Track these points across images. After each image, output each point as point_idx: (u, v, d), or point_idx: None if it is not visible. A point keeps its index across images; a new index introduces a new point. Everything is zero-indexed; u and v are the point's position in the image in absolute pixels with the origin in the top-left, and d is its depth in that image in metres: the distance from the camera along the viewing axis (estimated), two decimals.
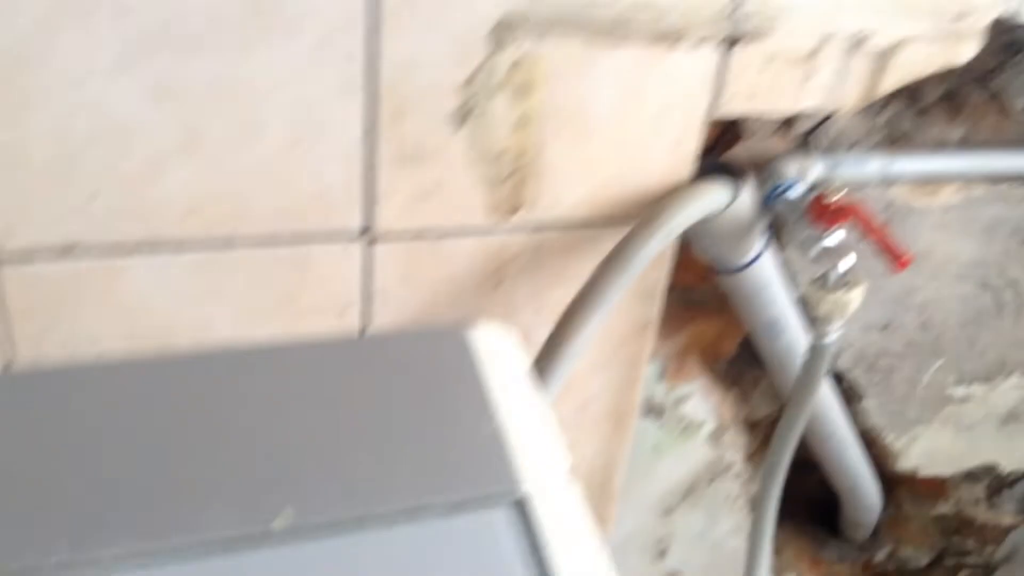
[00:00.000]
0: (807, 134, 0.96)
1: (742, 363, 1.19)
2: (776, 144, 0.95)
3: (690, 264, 1.04)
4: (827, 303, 0.87)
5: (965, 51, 0.87)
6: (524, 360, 0.57)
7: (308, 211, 0.77)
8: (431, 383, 0.53)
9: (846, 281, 0.86)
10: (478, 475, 0.48)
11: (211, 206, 0.74)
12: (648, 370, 1.10)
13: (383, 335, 0.57)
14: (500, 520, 0.47)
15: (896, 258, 0.80)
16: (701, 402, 1.15)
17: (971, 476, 1.43)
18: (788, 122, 0.94)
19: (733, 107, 0.84)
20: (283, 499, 0.45)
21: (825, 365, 0.93)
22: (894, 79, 0.87)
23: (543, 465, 0.49)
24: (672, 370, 1.12)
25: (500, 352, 0.57)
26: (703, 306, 1.11)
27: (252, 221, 0.76)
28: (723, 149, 0.94)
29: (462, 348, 0.56)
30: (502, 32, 0.73)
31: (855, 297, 0.87)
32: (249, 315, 0.82)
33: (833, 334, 0.90)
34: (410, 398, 0.52)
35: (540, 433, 0.51)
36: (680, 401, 1.14)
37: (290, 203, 0.76)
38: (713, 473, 1.23)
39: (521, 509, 0.47)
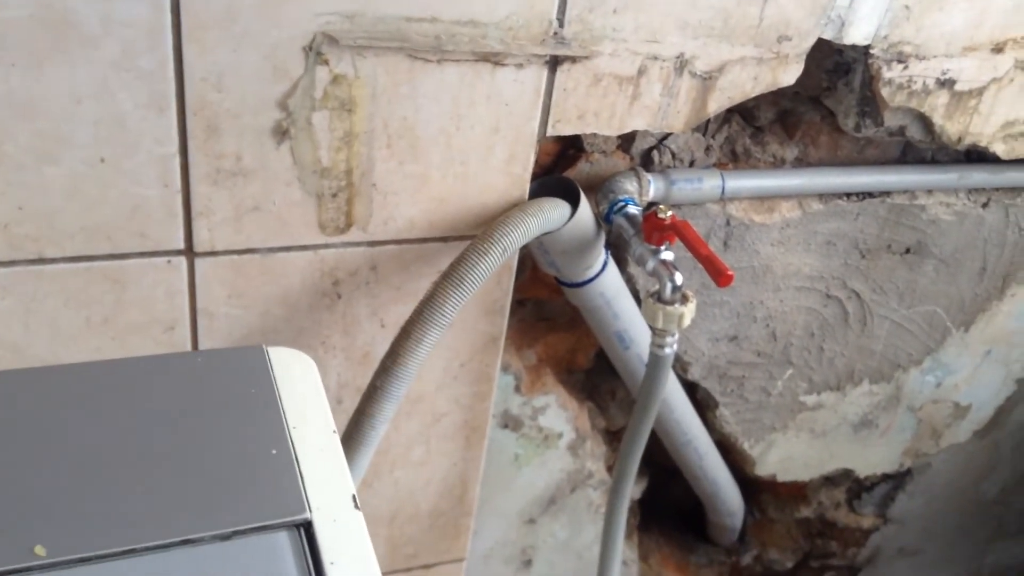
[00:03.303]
0: (647, 152, 0.98)
1: (599, 374, 1.21)
2: (617, 161, 0.96)
3: (543, 278, 1.05)
4: (663, 316, 0.89)
5: (789, 73, 0.89)
6: (319, 385, 0.57)
7: (122, 228, 0.75)
8: (223, 407, 0.52)
9: (680, 295, 0.88)
10: (262, 500, 0.47)
11: (16, 224, 0.72)
12: (503, 382, 1.10)
13: (179, 356, 0.55)
14: (280, 545, 0.46)
15: (719, 274, 0.82)
16: (558, 413, 1.16)
17: (830, 480, 1.48)
18: (628, 139, 0.96)
19: (563, 127, 0.85)
20: (40, 532, 0.43)
21: (666, 375, 0.95)
22: (721, 100, 0.89)
23: (328, 491, 0.49)
24: (528, 382, 1.13)
25: (296, 377, 0.56)
26: (557, 319, 1.12)
27: (63, 239, 0.74)
28: (565, 166, 0.95)
29: (258, 371, 0.55)
30: (319, 48, 0.72)
31: (689, 310, 0.88)
32: (66, 336, 0.79)
33: (670, 345, 0.92)
34: (200, 421, 0.51)
35: (327, 459, 0.51)
36: (538, 413, 1.15)
37: (103, 220, 0.74)
38: (575, 483, 1.24)
39: (302, 534, 0.47)
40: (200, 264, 0.80)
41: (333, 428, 0.50)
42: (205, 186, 0.76)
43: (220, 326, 0.84)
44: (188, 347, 0.85)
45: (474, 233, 0.87)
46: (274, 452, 0.46)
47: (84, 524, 0.42)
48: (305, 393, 0.53)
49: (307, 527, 0.45)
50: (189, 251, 0.79)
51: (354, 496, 0.47)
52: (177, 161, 0.74)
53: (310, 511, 0.45)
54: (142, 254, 0.78)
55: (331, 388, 0.93)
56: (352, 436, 0.83)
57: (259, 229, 0.80)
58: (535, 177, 0.92)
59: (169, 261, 0.79)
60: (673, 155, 0.99)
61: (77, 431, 0.47)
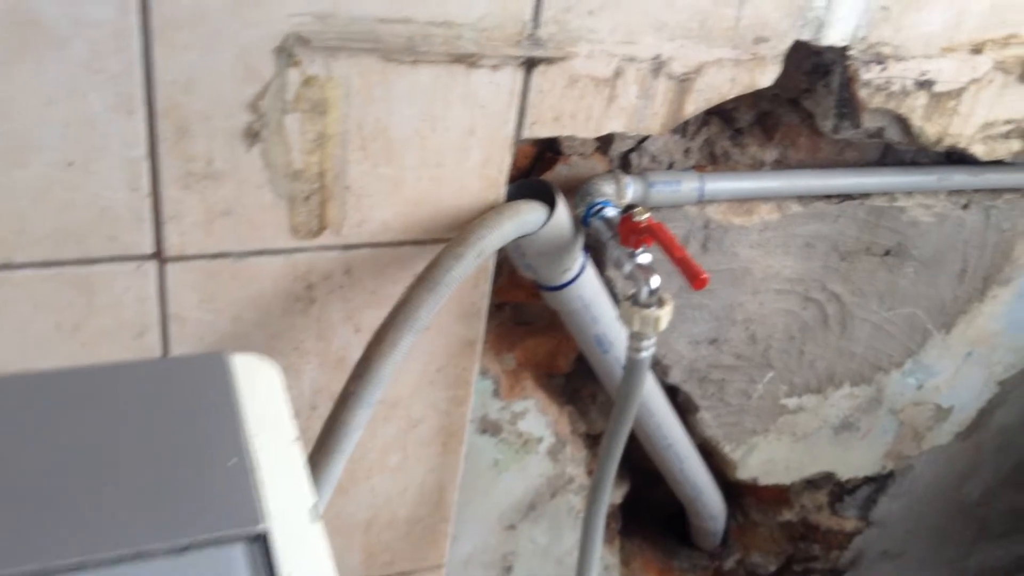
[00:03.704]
0: (626, 154, 0.97)
1: (579, 378, 1.20)
2: (595, 164, 0.96)
3: (521, 281, 1.04)
4: (639, 319, 0.88)
5: (767, 75, 0.89)
6: (283, 393, 0.56)
7: (92, 233, 0.74)
8: (181, 416, 0.51)
9: (656, 298, 0.87)
10: (218, 512, 0.46)
11: None
12: (482, 387, 1.09)
13: (138, 363, 0.54)
14: (236, 558, 0.45)
15: (694, 277, 0.81)
16: (538, 418, 1.15)
17: (812, 484, 1.48)
18: (606, 142, 0.95)
19: (539, 129, 0.84)
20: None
21: (643, 379, 0.94)
22: (698, 102, 0.88)
23: (286, 502, 0.48)
24: (507, 386, 1.12)
25: (259, 384, 0.55)
26: (536, 323, 1.12)
27: (32, 244, 0.73)
28: (543, 168, 0.95)
29: (220, 379, 0.54)
30: (290, 49, 0.71)
31: (665, 313, 0.88)
32: (36, 342, 0.78)
33: (648, 349, 0.91)
34: (157, 431, 0.50)
35: (287, 470, 0.50)
36: (517, 417, 1.14)
37: (72, 224, 0.73)
38: (555, 488, 1.23)
39: (258, 546, 0.46)
40: (170, 269, 0.79)
41: (295, 437, 0.49)
42: (175, 190, 0.75)
43: (191, 331, 0.83)
44: (158, 353, 0.84)
45: (450, 236, 0.86)
46: (232, 462, 0.45)
47: (32, 536, 0.40)
48: (267, 401, 0.52)
49: (263, 539, 0.44)
50: (159, 256, 0.78)
51: (314, 507, 0.46)
52: (147, 164, 0.73)
53: (267, 523, 0.44)
54: (112, 259, 0.77)
55: (305, 393, 0.92)
56: (325, 443, 0.81)
57: (230, 233, 0.79)
58: (513, 179, 0.91)
59: (139, 266, 0.78)
60: (652, 157, 0.98)
61: (27, 440, 0.46)
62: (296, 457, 0.48)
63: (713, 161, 1.02)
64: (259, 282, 0.83)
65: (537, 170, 0.95)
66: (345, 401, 0.80)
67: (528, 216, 0.87)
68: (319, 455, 0.80)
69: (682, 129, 0.99)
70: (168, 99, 0.70)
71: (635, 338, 0.90)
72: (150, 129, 0.71)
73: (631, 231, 0.87)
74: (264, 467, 0.46)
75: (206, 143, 0.73)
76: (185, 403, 0.51)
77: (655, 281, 0.87)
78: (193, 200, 0.76)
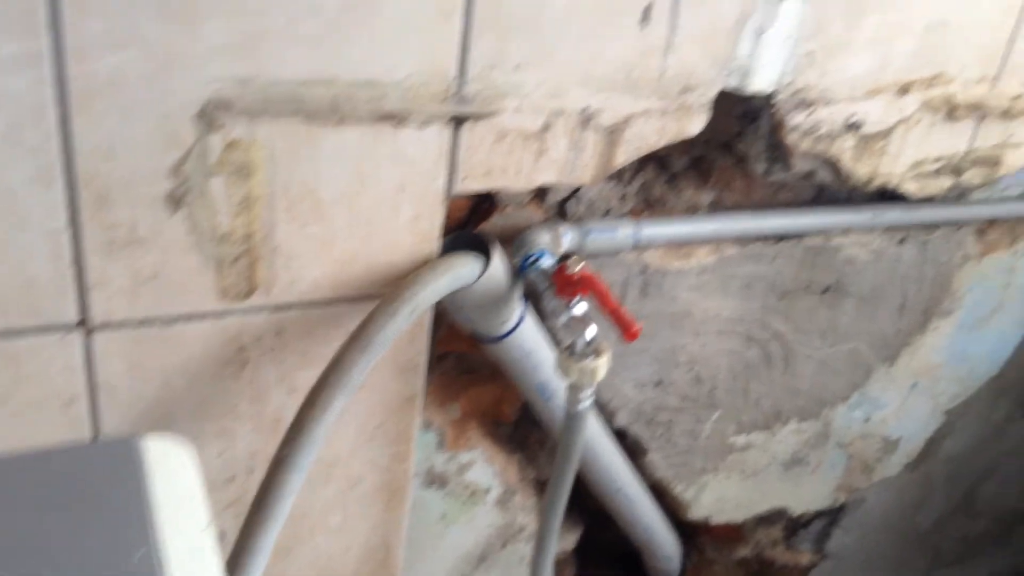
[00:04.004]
0: (562, 202, 0.97)
1: (526, 425, 1.19)
2: (531, 213, 0.95)
3: (463, 331, 1.03)
4: (577, 371, 0.88)
5: (695, 123, 0.90)
6: (196, 477, 0.54)
7: (15, 304, 0.72)
8: (86, 508, 0.49)
9: (593, 348, 0.87)
10: None
11: None
12: (426, 440, 1.08)
13: (42, 451, 0.52)
14: None
15: (626, 329, 0.81)
16: (485, 468, 1.14)
17: (765, 519, 1.48)
18: (542, 191, 0.95)
19: (470, 184, 0.84)
20: None
21: (584, 430, 0.94)
22: (628, 152, 0.89)
23: None
24: (452, 438, 1.11)
25: (172, 469, 0.53)
26: (478, 372, 1.11)
27: None
28: (479, 219, 0.94)
29: (130, 465, 0.52)
30: (211, 114, 0.70)
31: (602, 364, 0.87)
32: None
33: (586, 400, 0.91)
34: (58, 526, 0.48)
35: (197, 562, 0.48)
36: (463, 469, 1.13)
37: None
38: (505, 537, 1.22)
39: None
40: (97, 337, 0.77)
41: (207, 524, 0.48)
42: (99, 258, 0.73)
43: (121, 399, 0.81)
44: (88, 422, 0.82)
45: (383, 293, 0.85)
46: (139, 555, 0.44)
47: None
48: (180, 487, 0.50)
49: None
50: (85, 324, 0.76)
51: None
52: (68, 234, 0.71)
53: None
54: (36, 330, 0.75)
55: (241, 457, 0.90)
56: (259, 509, 0.80)
57: (158, 299, 0.77)
58: (449, 231, 0.91)
59: (64, 336, 0.76)
60: (588, 205, 0.99)
61: None
62: (209, 547, 0.47)
63: (649, 206, 1.03)
64: (189, 347, 0.81)
65: (474, 220, 0.95)
66: (277, 467, 0.79)
67: (462, 270, 0.86)
68: (254, 521, 0.79)
69: (617, 175, 0.99)
70: (88, 168, 0.69)
71: (573, 390, 0.90)
72: (71, 199, 0.70)
73: (566, 282, 0.87)
74: (173, 558, 0.45)
75: (129, 210, 0.72)
76: (94, 492, 0.49)
77: (591, 332, 0.87)
78: (117, 267, 0.74)
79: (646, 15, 0.80)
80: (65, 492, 0.49)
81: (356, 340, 0.81)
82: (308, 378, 0.86)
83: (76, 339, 0.77)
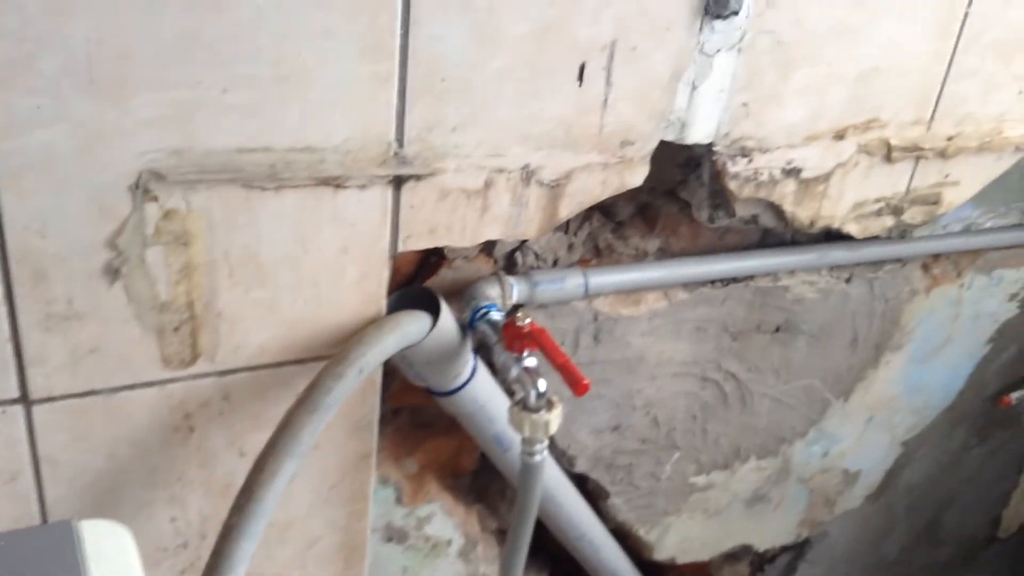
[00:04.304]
0: (510, 254, 0.98)
1: (485, 475, 1.19)
2: (480, 265, 0.96)
3: (416, 385, 1.03)
4: (529, 424, 0.87)
5: (636, 175, 0.91)
6: (135, 559, 0.54)
7: None
8: None
9: (545, 401, 0.87)
10: None
11: None
12: (383, 495, 1.07)
13: None
14: None
15: (576, 383, 0.81)
16: (445, 520, 1.14)
17: (732, 556, 1.48)
18: (490, 244, 0.96)
19: (414, 243, 0.85)
20: None
21: (539, 482, 0.94)
22: (572, 205, 0.89)
23: None
24: (410, 492, 1.10)
25: (109, 554, 0.53)
26: (435, 424, 1.10)
27: None
28: (428, 273, 0.95)
29: (66, 551, 0.52)
30: (145, 185, 0.70)
31: (555, 417, 0.87)
32: None
33: (540, 453, 0.91)
34: None
35: None
36: (423, 522, 1.12)
37: None
38: None
39: None
40: (38, 411, 0.76)
41: None
42: (37, 332, 0.73)
43: (64, 472, 0.80)
44: (33, 496, 0.80)
45: (331, 353, 0.85)
46: None
47: None
48: (117, 570, 0.50)
49: None
50: (25, 399, 0.75)
51: None
52: (3, 310, 0.71)
53: None
54: None
55: (193, 523, 0.89)
56: None
57: (99, 370, 0.77)
58: (398, 286, 0.91)
59: (4, 411, 0.75)
60: (536, 255, 0.99)
61: None
62: None
63: (598, 254, 1.04)
64: (133, 416, 0.80)
65: (421, 275, 0.95)
66: (227, 535, 0.78)
67: (410, 328, 0.86)
68: None
69: (564, 225, 1.00)
70: (21, 245, 0.69)
71: (527, 443, 0.90)
72: (4, 275, 0.69)
73: (515, 336, 0.87)
74: None
75: (65, 284, 0.71)
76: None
77: (542, 385, 0.87)
78: (56, 341, 0.74)
79: (581, 74, 0.81)
80: None
81: (304, 403, 0.80)
82: (258, 440, 0.85)
83: (17, 413, 0.76)
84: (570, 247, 1.01)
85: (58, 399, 0.76)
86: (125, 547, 0.52)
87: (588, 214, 1.02)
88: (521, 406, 0.88)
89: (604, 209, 1.02)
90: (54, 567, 0.49)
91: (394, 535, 1.11)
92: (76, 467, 0.80)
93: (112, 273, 0.73)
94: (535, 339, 0.85)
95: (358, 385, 0.83)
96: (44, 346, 0.73)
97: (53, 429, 0.78)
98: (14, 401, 0.75)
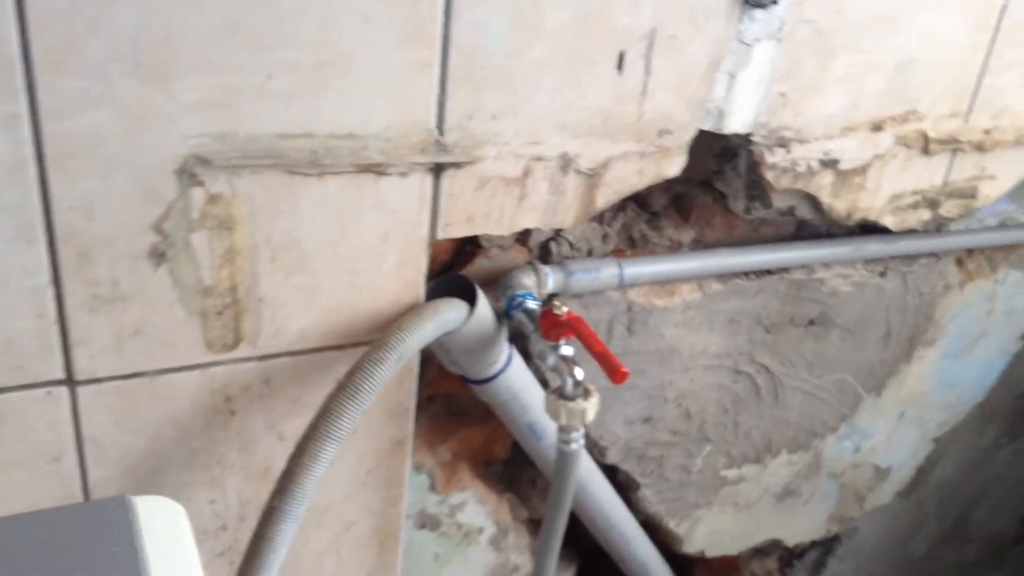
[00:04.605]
0: (545, 243, 0.98)
1: (517, 464, 1.19)
2: (515, 255, 0.96)
3: (451, 372, 1.03)
4: (566, 412, 0.88)
5: (674, 165, 0.91)
6: (188, 536, 0.55)
7: None
8: (83, 566, 0.50)
9: (582, 390, 0.87)
10: None
11: None
12: (417, 482, 1.08)
13: (33, 514, 0.53)
14: None
15: (614, 371, 0.82)
16: (477, 508, 1.14)
17: (760, 551, 1.47)
18: (525, 233, 0.96)
19: (453, 230, 0.85)
20: None
21: (575, 470, 0.94)
22: (609, 195, 0.90)
23: None
24: (444, 480, 1.11)
25: (163, 528, 0.54)
26: (469, 412, 1.11)
27: None
28: (464, 261, 0.95)
29: (121, 525, 0.52)
30: (191, 170, 0.71)
31: (592, 405, 0.88)
32: None
33: (576, 441, 0.91)
34: None
35: None
36: (455, 510, 1.13)
37: None
38: None
39: None
40: (83, 392, 0.77)
41: None
42: (82, 314, 0.74)
43: (108, 453, 0.81)
44: (76, 476, 0.82)
45: (370, 339, 0.85)
46: None
47: None
48: (172, 545, 0.51)
49: None
50: (70, 380, 0.76)
51: None
52: (50, 291, 0.72)
53: None
54: (20, 386, 0.75)
55: (232, 506, 0.90)
56: (252, 560, 0.80)
57: (143, 352, 0.78)
58: (434, 274, 0.92)
59: (49, 392, 0.76)
60: (571, 245, 0.99)
61: None
62: None
63: (632, 245, 1.04)
64: (176, 399, 0.81)
65: (458, 263, 0.95)
66: (269, 517, 0.79)
67: (448, 315, 0.87)
68: (247, 571, 0.79)
69: (599, 216, 1.00)
70: (69, 226, 0.70)
71: (563, 431, 0.90)
72: (52, 256, 0.70)
73: (552, 324, 0.87)
74: None
75: (110, 267, 0.73)
76: (87, 553, 0.49)
77: (579, 373, 0.87)
78: (101, 323, 0.75)
79: (620, 63, 0.81)
80: (59, 553, 0.50)
81: (344, 388, 0.81)
82: (297, 425, 0.86)
83: (62, 395, 0.77)
84: (604, 237, 1.01)
85: (103, 380, 0.78)
86: (178, 523, 0.52)
87: (623, 204, 1.02)
88: (558, 394, 0.88)
89: (639, 200, 1.03)
90: (109, 541, 0.50)
91: (427, 522, 1.11)
92: (119, 448, 0.81)
93: (157, 256, 0.74)
94: (572, 327, 0.86)
95: (397, 371, 0.83)
96: (89, 328, 0.75)
97: (97, 410, 0.79)
98: (59, 382, 0.76)
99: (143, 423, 0.81)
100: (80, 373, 0.76)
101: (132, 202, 0.71)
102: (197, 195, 0.73)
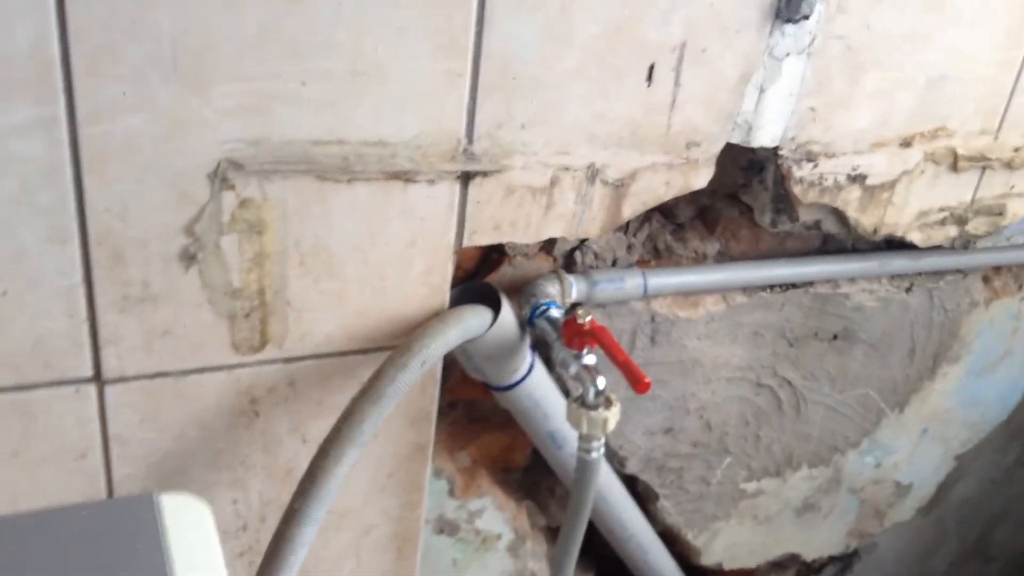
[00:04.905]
0: (570, 252, 0.98)
1: (536, 472, 1.20)
2: (540, 263, 0.97)
3: (473, 379, 1.04)
4: (587, 421, 0.88)
5: (701, 177, 0.91)
6: (213, 533, 0.55)
7: (28, 359, 0.74)
8: (105, 566, 0.50)
9: (603, 399, 0.88)
10: None
11: None
12: (437, 487, 1.09)
13: (59, 510, 0.54)
14: None
15: (637, 381, 0.82)
16: (496, 515, 1.15)
17: (778, 565, 1.47)
18: (550, 242, 0.96)
19: (479, 238, 0.86)
20: None
21: (595, 479, 0.94)
22: (635, 205, 0.90)
23: None
24: (463, 485, 1.11)
25: (188, 526, 0.54)
26: (490, 419, 1.11)
27: None
28: (489, 269, 0.96)
29: (147, 523, 0.53)
30: (224, 174, 0.72)
31: (613, 414, 0.88)
32: None
33: (597, 450, 0.91)
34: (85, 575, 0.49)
35: None
36: (474, 516, 1.13)
37: (7, 352, 0.73)
38: None
39: None
40: (110, 391, 0.78)
41: None
42: (112, 314, 0.75)
43: (134, 452, 0.82)
44: (101, 474, 0.83)
45: (395, 344, 0.86)
46: None
47: None
48: (197, 543, 0.51)
49: None
50: (98, 379, 0.77)
51: None
52: (82, 291, 0.73)
53: None
54: (50, 384, 0.76)
55: (254, 506, 0.91)
56: (272, 560, 0.80)
57: (171, 353, 0.79)
58: (459, 281, 0.92)
59: (77, 390, 0.77)
60: (596, 255, 1.00)
61: None
62: None
63: (656, 256, 1.04)
64: (202, 399, 0.82)
65: (483, 271, 0.96)
66: (290, 519, 0.79)
67: (472, 321, 0.87)
68: (267, 572, 0.79)
69: (624, 226, 1.01)
70: (102, 227, 0.71)
71: (584, 440, 0.90)
72: (84, 257, 0.71)
73: (575, 333, 0.87)
74: None
75: (142, 268, 0.73)
76: (112, 549, 0.50)
77: (601, 382, 0.87)
78: (131, 323, 0.76)
79: (650, 75, 0.81)
80: (85, 549, 0.50)
81: (367, 393, 0.81)
82: (321, 428, 0.87)
83: (90, 392, 0.78)
84: (629, 248, 1.02)
85: (130, 379, 0.79)
86: (203, 521, 0.53)
87: (648, 215, 1.02)
88: (579, 403, 0.88)
89: (664, 211, 1.03)
90: (135, 538, 0.51)
91: (446, 527, 1.12)
92: (145, 447, 0.82)
93: (188, 259, 0.75)
94: (595, 336, 0.86)
95: (420, 376, 0.84)
96: (119, 327, 0.76)
97: (124, 409, 0.80)
98: (87, 380, 0.77)
99: (168, 422, 0.82)
100: (108, 372, 0.77)
101: (165, 205, 0.72)
102: (229, 199, 0.73)
